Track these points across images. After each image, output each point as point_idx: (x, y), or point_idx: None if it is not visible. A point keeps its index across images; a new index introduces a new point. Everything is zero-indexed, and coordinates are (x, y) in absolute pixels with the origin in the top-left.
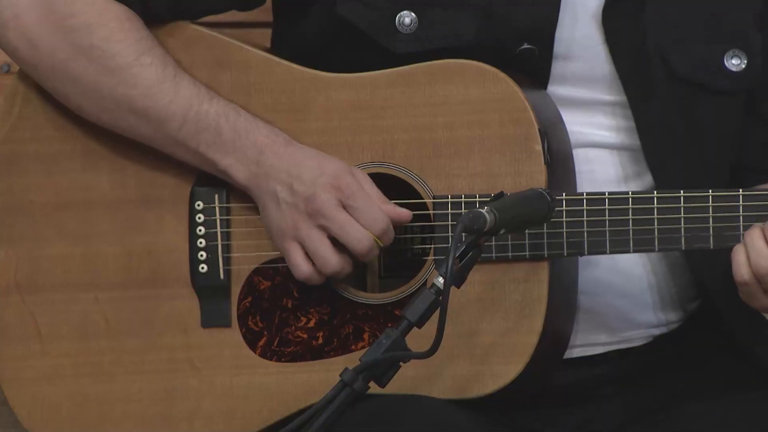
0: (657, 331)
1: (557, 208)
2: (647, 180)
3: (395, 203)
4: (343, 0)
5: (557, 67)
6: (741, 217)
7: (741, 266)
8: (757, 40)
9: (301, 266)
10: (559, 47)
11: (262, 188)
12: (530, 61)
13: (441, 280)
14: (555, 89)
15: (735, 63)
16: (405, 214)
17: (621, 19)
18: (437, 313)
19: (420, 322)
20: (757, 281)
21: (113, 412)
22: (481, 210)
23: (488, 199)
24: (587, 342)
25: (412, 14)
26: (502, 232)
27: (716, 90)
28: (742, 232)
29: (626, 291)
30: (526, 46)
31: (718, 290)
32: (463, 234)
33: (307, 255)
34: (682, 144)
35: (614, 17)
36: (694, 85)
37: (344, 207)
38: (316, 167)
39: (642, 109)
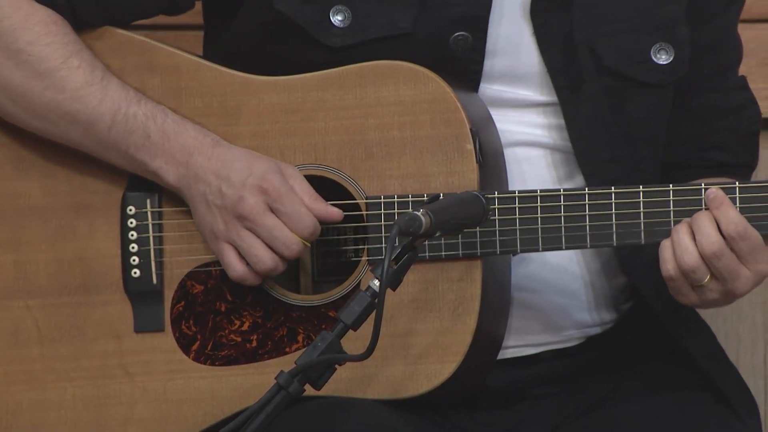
0: (591, 331)
1: (490, 207)
2: (578, 181)
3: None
4: None
5: (487, 65)
6: (672, 212)
7: (667, 262)
8: (684, 32)
9: (235, 266)
10: (489, 43)
11: (192, 190)
12: (463, 53)
13: (376, 282)
14: (485, 88)
15: (663, 57)
16: (336, 213)
17: (549, 11)
18: (372, 314)
19: (355, 325)
20: (683, 276)
21: (46, 419)
22: (417, 212)
23: (421, 199)
24: (522, 342)
25: (346, 9)
26: (437, 234)
27: (644, 82)
28: (672, 227)
29: (562, 288)
30: (459, 33)
31: (650, 288)
32: (399, 236)
33: (241, 255)
34: (611, 138)
35: (543, 9)
36: (622, 78)
37: (272, 210)
38: (244, 168)
39: (571, 104)
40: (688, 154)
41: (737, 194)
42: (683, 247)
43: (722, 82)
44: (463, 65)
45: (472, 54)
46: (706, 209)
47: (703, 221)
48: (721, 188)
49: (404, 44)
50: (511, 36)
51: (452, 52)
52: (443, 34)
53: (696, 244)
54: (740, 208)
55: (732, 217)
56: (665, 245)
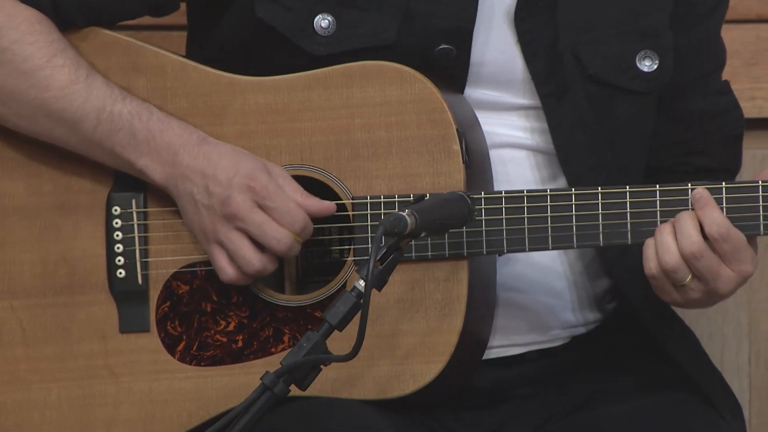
0: (576, 331)
1: (476, 207)
2: (562, 182)
3: None
4: (262, 2)
5: (473, 71)
6: (658, 213)
7: (649, 260)
8: (668, 40)
9: (225, 269)
10: (475, 51)
11: (180, 189)
12: (448, 63)
13: (362, 282)
14: (471, 92)
15: (647, 64)
16: (329, 205)
17: (533, 18)
18: (358, 315)
19: (341, 325)
20: (665, 276)
21: (31, 419)
22: (402, 213)
23: (407, 199)
24: (507, 342)
25: (330, 17)
26: (422, 235)
27: (629, 90)
28: None
29: (547, 288)
30: (443, 46)
31: (634, 291)
32: (384, 237)
33: (231, 257)
34: (595, 144)
35: (527, 16)
36: (607, 85)
37: (261, 207)
38: (230, 167)
39: (555, 110)
40: (672, 159)
41: (724, 194)
42: (665, 247)
43: (705, 87)
44: (448, 72)
45: (457, 63)
46: (691, 209)
47: (686, 221)
48: (708, 188)
49: (388, 54)
50: (496, 44)
51: (437, 61)
52: (427, 46)
53: (677, 244)
54: (727, 208)
55: (715, 218)
56: (648, 244)
